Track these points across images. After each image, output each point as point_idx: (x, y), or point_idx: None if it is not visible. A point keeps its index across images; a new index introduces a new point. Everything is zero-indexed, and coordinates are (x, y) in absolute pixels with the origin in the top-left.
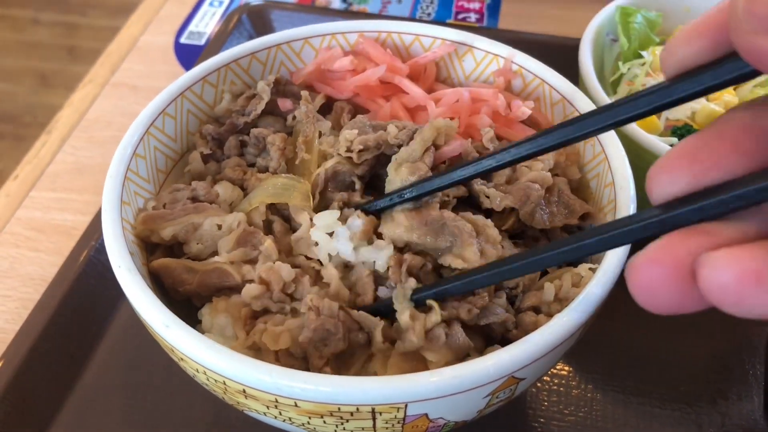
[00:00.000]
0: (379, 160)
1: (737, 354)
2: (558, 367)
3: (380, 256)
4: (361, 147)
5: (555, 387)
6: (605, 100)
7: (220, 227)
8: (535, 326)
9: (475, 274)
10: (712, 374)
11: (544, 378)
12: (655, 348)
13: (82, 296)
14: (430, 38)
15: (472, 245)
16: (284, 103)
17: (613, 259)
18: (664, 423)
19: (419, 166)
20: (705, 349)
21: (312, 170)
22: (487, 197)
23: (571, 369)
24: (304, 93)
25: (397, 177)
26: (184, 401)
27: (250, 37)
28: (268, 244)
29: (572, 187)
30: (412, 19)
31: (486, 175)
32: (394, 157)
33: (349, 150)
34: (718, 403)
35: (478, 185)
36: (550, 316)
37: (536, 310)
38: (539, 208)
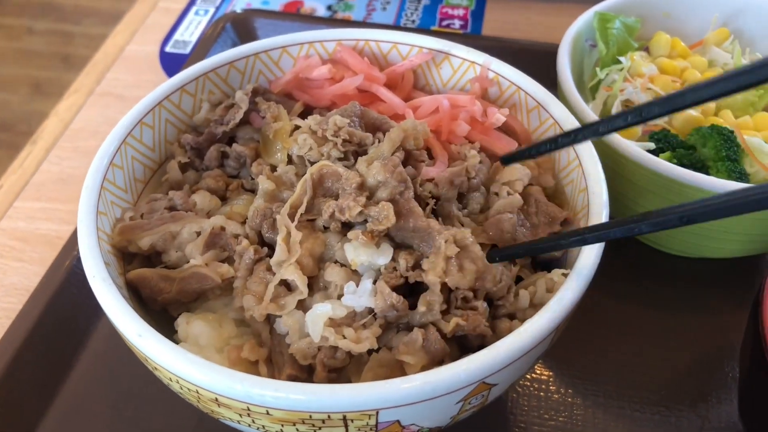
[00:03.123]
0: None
1: (717, 358)
2: (538, 372)
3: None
4: (347, 137)
5: (535, 392)
6: (582, 106)
7: (198, 234)
8: (509, 332)
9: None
10: (692, 378)
11: (525, 383)
12: (635, 352)
13: (65, 306)
14: (408, 46)
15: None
16: (256, 119)
17: (585, 264)
18: (645, 427)
19: (394, 161)
20: (685, 353)
21: (285, 138)
22: (461, 224)
23: (551, 374)
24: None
25: (369, 173)
26: (166, 409)
27: (234, 46)
28: (245, 243)
29: (548, 194)
30: (393, 26)
31: (461, 198)
32: (361, 158)
33: (335, 134)
34: (697, 406)
35: (455, 211)
36: (524, 322)
37: (511, 316)
38: (518, 227)
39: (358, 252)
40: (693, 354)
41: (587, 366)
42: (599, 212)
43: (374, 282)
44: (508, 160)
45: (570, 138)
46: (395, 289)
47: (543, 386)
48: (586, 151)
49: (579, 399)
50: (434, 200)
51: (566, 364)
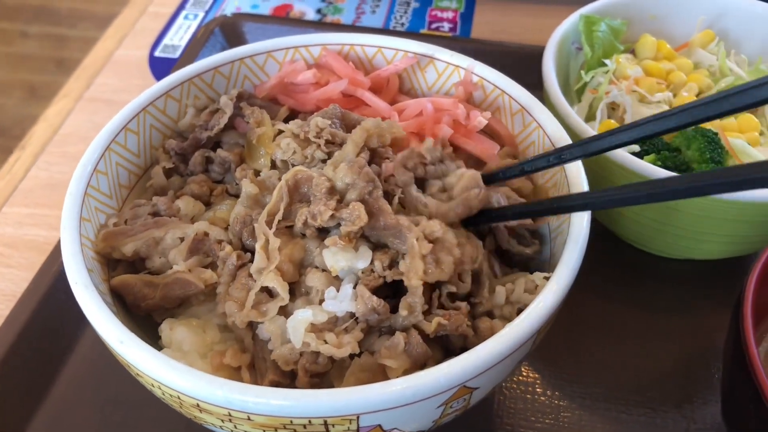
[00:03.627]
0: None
1: (702, 359)
2: (524, 374)
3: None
4: (329, 138)
5: (522, 394)
6: (566, 109)
7: (182, 240)
8: (491, 332)
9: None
10: (678, 379)
11: (511, 385)
12: (621, 354)
13: (52, 312)
14: (393, 50)
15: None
16: (241, 124)
17: (567, 268)
18: (631, 429)
19: (359, 162)
20: (671, 354)
21: (268, 143)
22: (425, 205)
23: (538, 376)
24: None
25: (337, 176)
26: (153, 415)
27: (223, 50)
28: (228, 249)
29: (526, 194)
30: (381, 30)
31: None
32: (327, 162)
33: (318, 136)
34: (683, 407)
35: (414, 193)
36: (504, 319)
37: (490, 315)
38: (493, 194)
39: (336, 258)
40: (679, 355)
41: (574, 368)
42: (581, 215)
43: (355, 286)
44: (490, 180)
45: (555, 158)
46: (376, 290)
47: (529, 388)
48: None
49: (565, 401)
50: (401, 190)
51: (553, 366)
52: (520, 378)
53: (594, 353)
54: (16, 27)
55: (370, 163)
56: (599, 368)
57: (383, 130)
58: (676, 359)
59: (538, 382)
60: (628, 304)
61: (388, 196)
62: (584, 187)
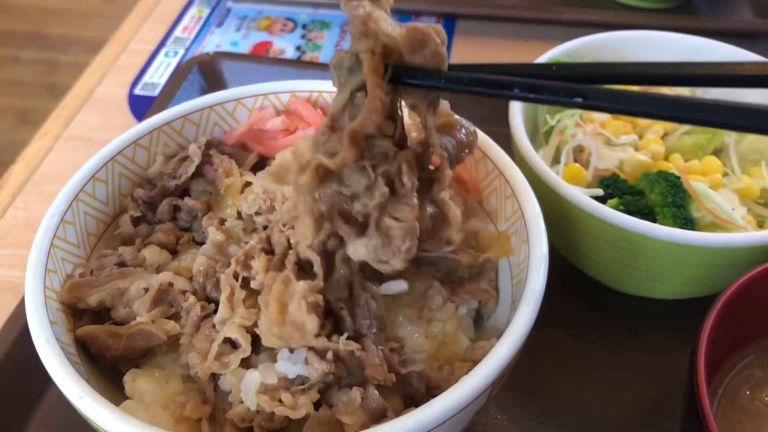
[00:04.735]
0: None
1: (671, 398)
2: (492, 415)
3: None
4: None
5: None
6: (529, 151)
7: (146, 290)
8: (446, 383)
9: None
10: (647, 419)
11: (477, 428)
12: (592, 394)
13: (26, 354)
14: None
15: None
16: (210, 171)
17: (521, 321)
18: None
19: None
20: (640, 393)
21: (236, 194)
22: None
23: (505, 416)
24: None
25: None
26: None
27: (202, 88)
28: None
29: (489, 241)
30: None
31: None
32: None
33: (283, 202)
34: None
35: None
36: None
37: None
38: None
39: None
40: (647, 393)
41: (542, 407)
42: (539, 264)
43: None
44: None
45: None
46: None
47: (497, 429)
48: (529, 203)
49: None
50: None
51: (520, 406)
52: (490, 419)
53: (562, 393)
54: (7, 52)
55: None
56: (567, 408)
57: None
58: (644, 398)
59: (506, 423)
60: (597, 343)
61: None
62: (542, 232)
